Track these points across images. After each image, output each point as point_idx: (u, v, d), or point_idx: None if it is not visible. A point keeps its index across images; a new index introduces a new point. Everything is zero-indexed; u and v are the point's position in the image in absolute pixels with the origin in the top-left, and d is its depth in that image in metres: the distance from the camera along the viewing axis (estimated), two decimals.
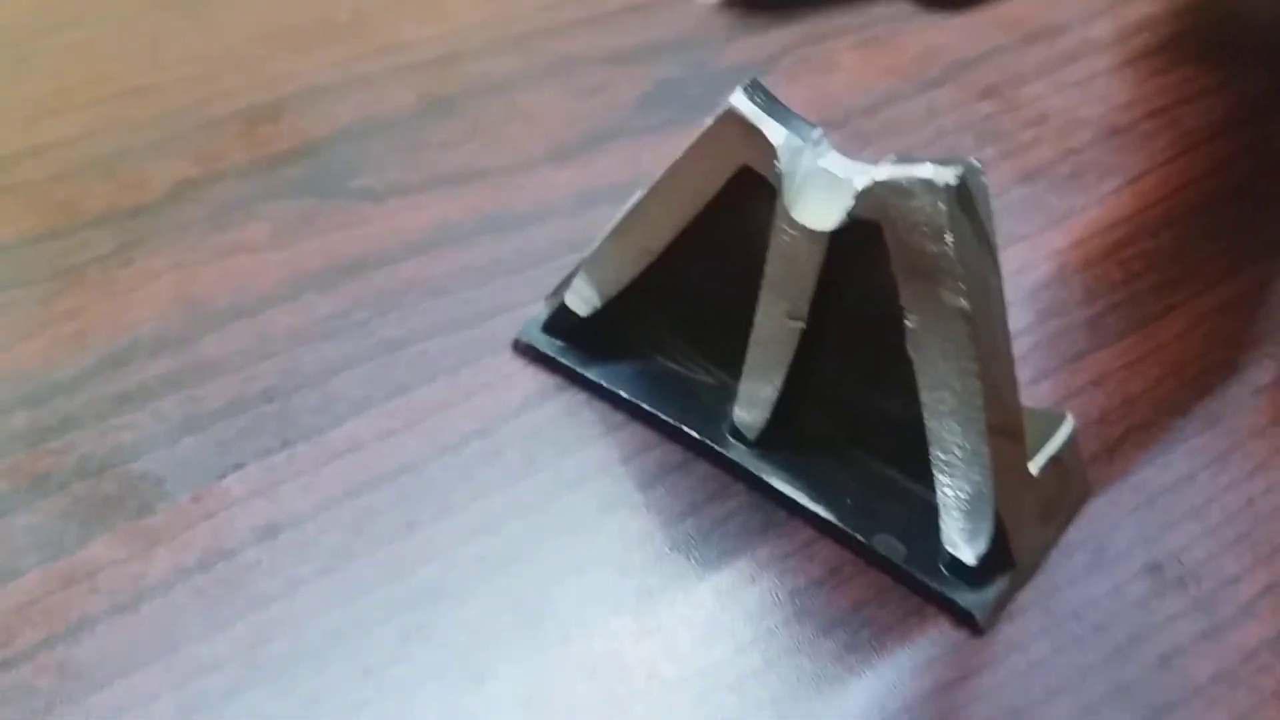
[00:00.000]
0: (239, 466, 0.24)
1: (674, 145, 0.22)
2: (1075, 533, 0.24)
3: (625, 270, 0.24)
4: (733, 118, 0.20)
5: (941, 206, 0.18)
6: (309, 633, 0.21)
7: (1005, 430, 0.21)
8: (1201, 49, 0.37)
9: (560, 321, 0.25)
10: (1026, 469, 0.22)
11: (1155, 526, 0.24)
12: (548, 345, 0.26)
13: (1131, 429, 0.26)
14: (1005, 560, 0.22)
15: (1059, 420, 0.23)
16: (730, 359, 0.24)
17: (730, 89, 0.21)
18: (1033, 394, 0.26)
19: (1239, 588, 0.23)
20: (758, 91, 0.20)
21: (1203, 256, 0.30)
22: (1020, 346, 0.27)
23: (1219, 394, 0.27)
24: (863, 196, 0.19)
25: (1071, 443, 0.23)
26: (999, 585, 0.22)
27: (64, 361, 0.26)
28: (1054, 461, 0.23)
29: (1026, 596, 0.23)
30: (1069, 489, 0.23)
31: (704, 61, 0.35)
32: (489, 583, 0.22)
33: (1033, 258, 0.30)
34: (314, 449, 0.24)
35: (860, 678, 0.21)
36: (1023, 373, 0.26)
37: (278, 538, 0.23)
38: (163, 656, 0.21)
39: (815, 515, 0.23)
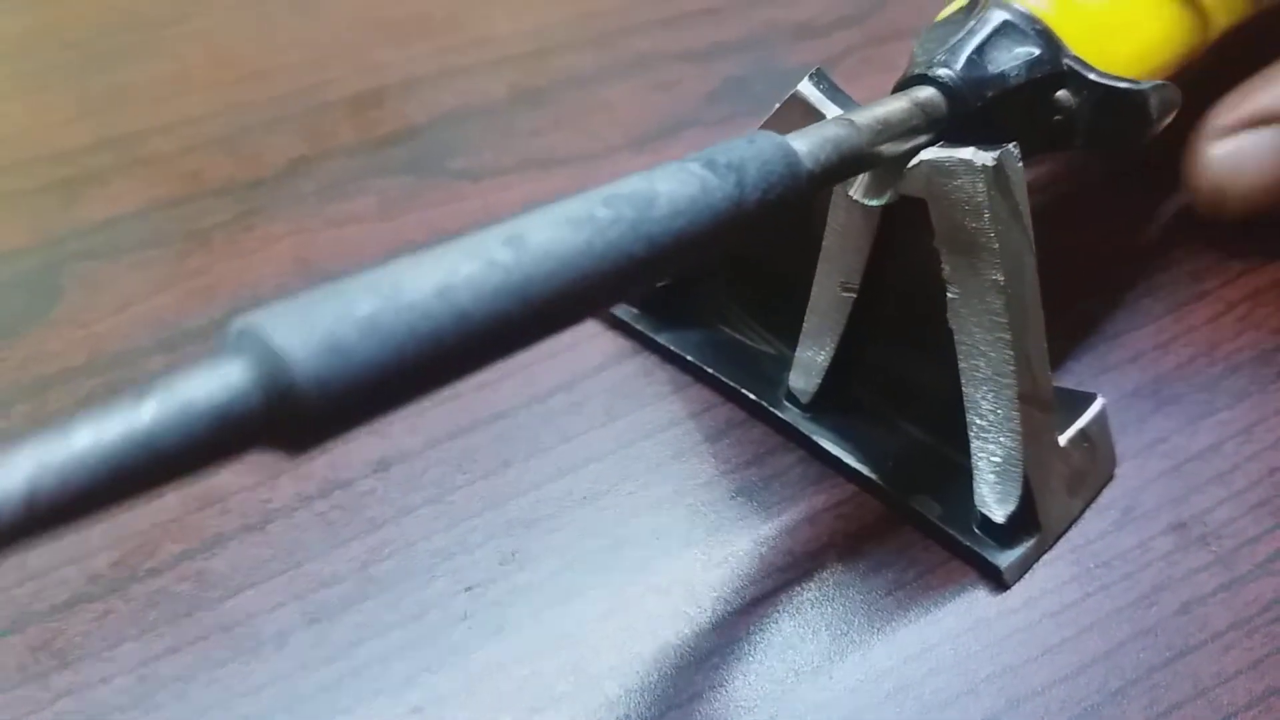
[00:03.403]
0: None
1: (739, 135, 0.25)
2: (1107, 493, 0.26)
3: None
4: (797, 101, 0.23)
5: (980, 186, 0.21)
6: (417, 553, 0.24)
7: (1035, 400, 0.23)
8: None
9: None
10: (1055, 440, 0.24)
11: (1181, 489, 0.26)
12: (625, 313, 0.28)
13: (1162, 402, 0.28)
14: (1032, 522, 0.24)
15: (1090, 399, 0.25)
16: (788, 330, 0.26)
17: (790, 86, 0.23)
18: (1072, 368, 0.28)
19: (1258, 547, 0.25)
20: (823, 80, 0.23)
21: (1236, 247, 0.32)
22: (1063, 324, 0.29)
23: (1246, 374, 0.29)
24: (910, 175, 0.22)
25: (1100, 421, 0.25)
26: (1025, 545, 0.24)
27: (195, 312, 0.29)
28: (1082, 436, 0.25)
29: (1060, 549, 0.25)
30: (1096, 465, 0.25)
31: (768, 61, 0.38)
32: (574, 515, 0.25)
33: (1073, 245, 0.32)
34: None
35: (906, 612, 0.23)
36: (1064, 348, 0.29)
37: (390, 470, 0.26)
38: (288, 570, 0.24)
39: (859, 474, 0.25)
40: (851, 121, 0.20)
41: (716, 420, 0.27)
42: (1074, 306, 0.30)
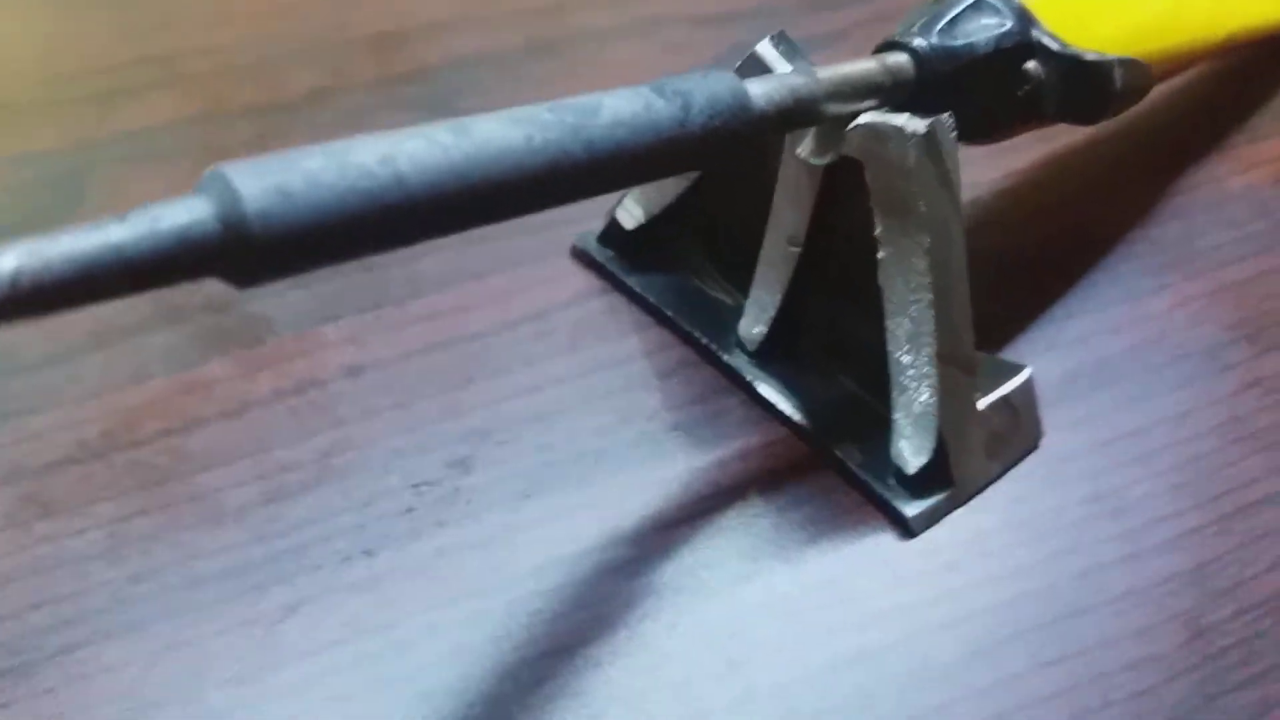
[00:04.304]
0: (336, 318, 0.29)
1: None
2: (1033, 460, 0.27)
3: (665, 194, 0.28)
4: (755, 60, 0.24)
5: (911, 151, 0.22)
6: (375, 451, 0.26)
7: (955, 360, 0.24)
8: None
9: (611, 234, 0.30)
10: (973, 401, 0.25)
11: (1105, 465, 0.27)
12: (599, 253, 0.30)
13: (1103, 382, 0.29)
14: (944, 478, 0.25)
15: (1018, 369, 0.27)
16: (744, 281, 0.28)
17: None
18: (1021, 341, 0.30)
19: (1167, 524, 0.26)
20: (782, 42, 0.24)
21: (1206, 245, 0.33)
22: (1020, 299, 0.31)
23: (1191, 364, 0.30)
24: (850, 137, 0.23)
25: (1026, 391, 0.27)
26: (936, 498, 0.25)
27: None
28: (1005, 402, 0.26)
29: (975, 505, 0.26)
30: (1019, 432, 0.27)
31: (776, 30, 0.39)
32: (524, 431, 0.27)
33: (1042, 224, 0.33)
34: (399, 312, 0.29)
35: (814, 546, 0.25)
36: (1019, 323, 0.30)
37: (362, 375, 0.28)
38: (255, 454, 0.26)
39: (791, 420, 0.27)
40: (813, 73, 0.22)
41: (669, 360, 0.29)
42: (1035, 284, 0.31)
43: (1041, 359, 0.29)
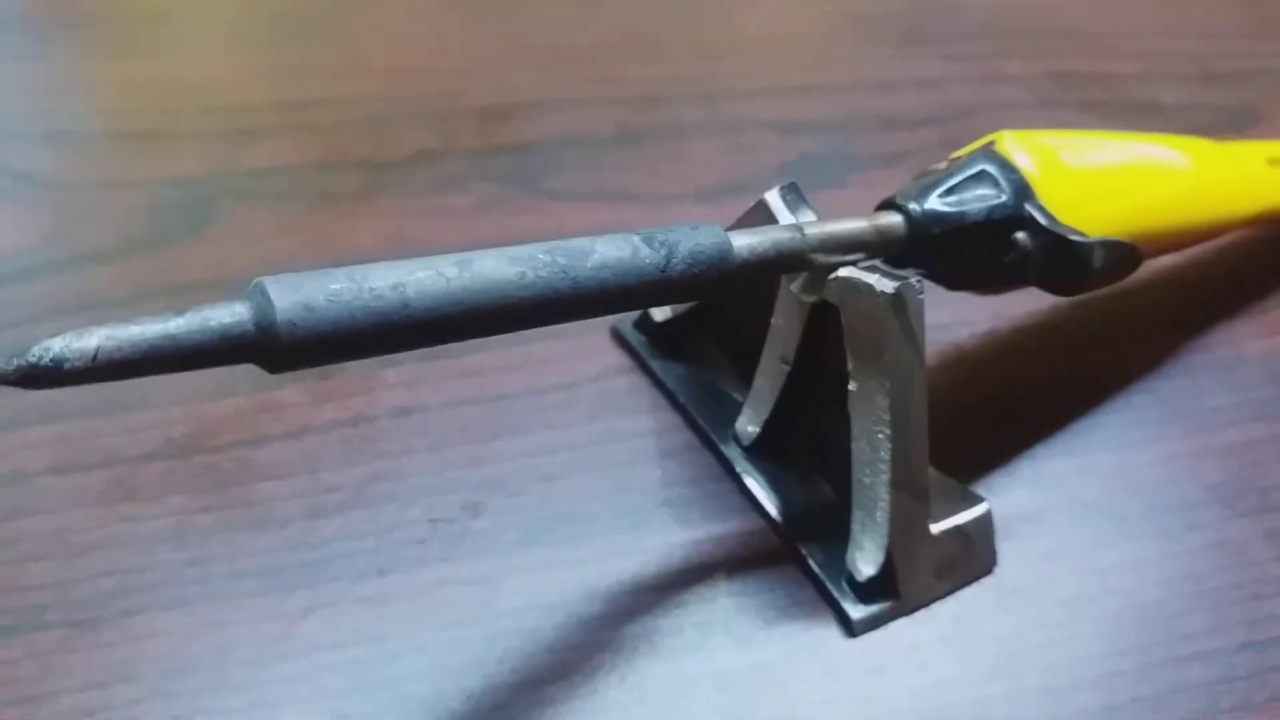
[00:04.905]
0: (397, 364, 0.34)
1: None
2: (981, 584, 0.30)
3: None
4: (763, 207, 0.28)
5: (879, 306, 0.26)
6: (404, 485, 0.31)
7: (908, 488, 0.27)
8: None
9: (645, 322, 0.34)
10: (925, 525, 0.28)
11: (1051, 599, 0.30)
12: (633, 337, 0.34)
13: (1070, 523, 0.31)
14: (891, 589, 0.28)
15: (977, 501, 0.30)
16: (750, 383, 0.32)
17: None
18: (999, 473, 0.32)
19: (1093, 664, 0.29)
20: (790, 191, 0.28)
21: (1207, 405, 0.35)
22: (1006, 431, 0.33)
23: (1159, 519, 0.32)
24: (831, 284, 0.27)
25: (982, 522, 0.30)
26: (880, 605, 0.28)
27: (305, 259, 0.36)
28: (958, 530, 0.29)
29: (921, 615, 0.29)
30: (970, 558, 0.29)
31: (846, 144, 0.43)
32: (533, 487, 0.31)
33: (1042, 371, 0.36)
34: (451, 365, 0.34)
35: (761, 631, 0.28)
36: (999, 455, 0.33)
37: (408, 417, 0.32)
38: (306, 473, 0.31)
39: (768, 514, 0.30)
40: (800, 230, 0.25)
41: (674, 442, 0.32)
42: (1028, 420, 0.34)
43: (1015, 492, 0.32)
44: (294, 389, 0.33)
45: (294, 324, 0.19)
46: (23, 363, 0.17)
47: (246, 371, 0.33)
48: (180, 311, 0.19)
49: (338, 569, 0.29)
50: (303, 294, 0.19)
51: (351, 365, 0.33)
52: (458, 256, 0.21)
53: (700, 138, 0.42)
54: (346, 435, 0.32)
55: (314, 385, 0.33)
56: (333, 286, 0.20)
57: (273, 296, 0.19)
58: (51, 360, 0.17)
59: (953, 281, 0.29)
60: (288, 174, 0.39)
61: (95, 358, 0.18)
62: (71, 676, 0.26)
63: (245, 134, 0.40)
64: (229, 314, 0.19)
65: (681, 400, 0.33)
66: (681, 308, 0.33)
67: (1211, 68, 0.53)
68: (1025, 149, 0.29)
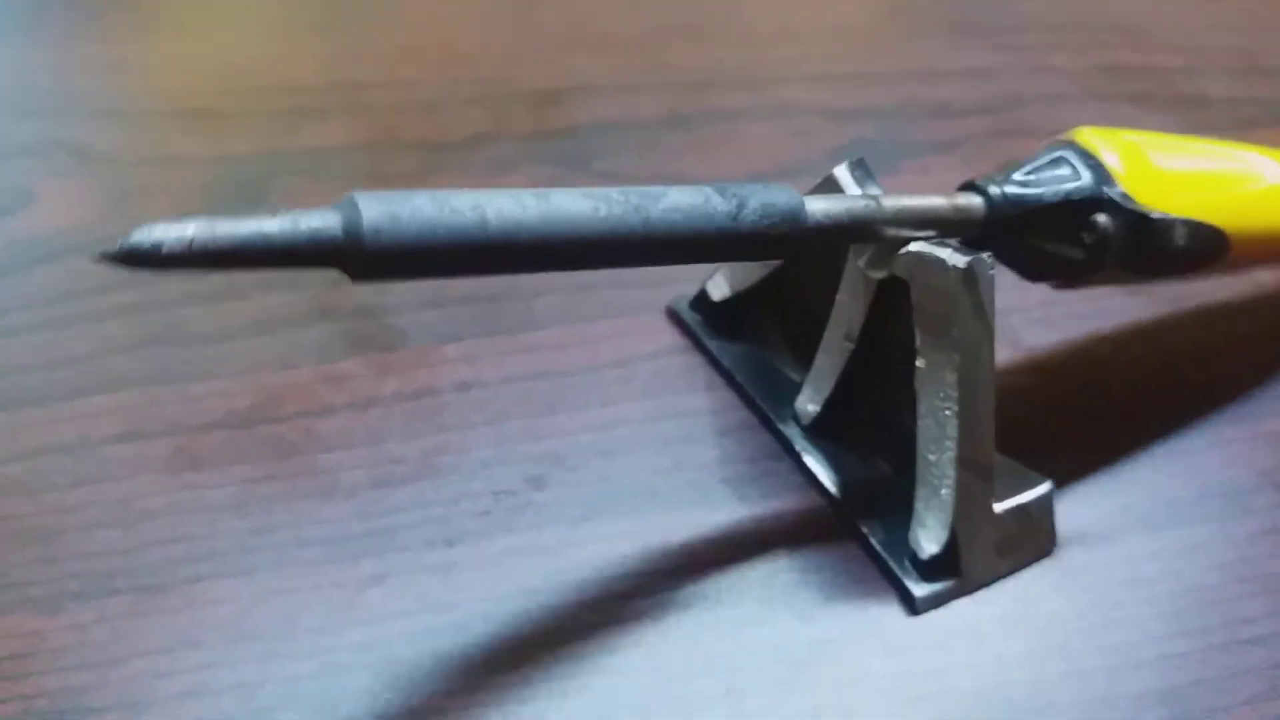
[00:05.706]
0: (458, 339, 0.34)
1: None
2: (1041, 566, 0.30)
3: (750, 276, 0.32)
4: (831, 181, 0.28)
5: (951, 281, 0.26)
6: (467, 458, 0.31)
7: (973, 466, 0.27)
8: None
9: (700, 301, 0.34)
10: (988, 504, 0.28)
11: (1108, 580, 0.30)
12: (688, 316, 0.34)
13: (1126, 508, 0.32)
14: (953, 568, 0.28)
15: (1039, 481, 0.30)
16: (809, 362, 0.32)
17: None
18: (1062, 455, 0.32)
19: (1154, 645, 0.29)
20: (859, 167, 0.28)
21: (1266, 394, 0.35)
22: (1076, 419, 0.33)
23: (1214, 504, 0.32)
24: (901, 260, 0.27)
25: (1044, 503, 0.30)
26: (942, 585, 0.28)
27: None
28: (1021, 509, 0.29)
29: (982, 594, 0.29)
30: (1031, 538, 0.29)
31: (899, 130, 0.43)
32: (593, 462, 0.31)
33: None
34: (509, 341, 0.34)
35: (823, 607, 0.28)
36: (1064, 439, 0.33)
37: (469, 391, 0.32)
38: (371, 444, 0.31)
39: (828, 492, 0.30)
40: (877, 199, 0.26)
41: (731, 420, 0.33)
42: (1103, 412, 0.34)
43: (1070, 475, 0.32)
44: (357, 361, 0.33)
45: (379, 231, 0.19)
46: (126, 244, 0.18)
47: (311, 341, 0.34)
48: (274, 211, 0.19)
49: (405, 538, 0.29)
50: (390, 206, 0.20)
51: (414, 339, 0.34)
52: (535, 190, 0.21)
53: (753, 123, 0.42)
54: (409, 409, 0.32)
55: (377, 358, 0.33)
56: (417, 202, 0.20)
57: (361, 206, 0.19)
58: (151, 244, 0.18)
59: (1030, 268, 0.29)
60: (341, 153, 0.40)
61: (191, 245, 0.18)
62: (141, 641, 0.26)
63: (300, 114, 0.41)
64: (320, 218, 0.19)
65: (738, 379, 0.33)
66: (740, 286, 0.33)
67: (1257, 62, 0.53)
68: (1105, 141, 0.29)
